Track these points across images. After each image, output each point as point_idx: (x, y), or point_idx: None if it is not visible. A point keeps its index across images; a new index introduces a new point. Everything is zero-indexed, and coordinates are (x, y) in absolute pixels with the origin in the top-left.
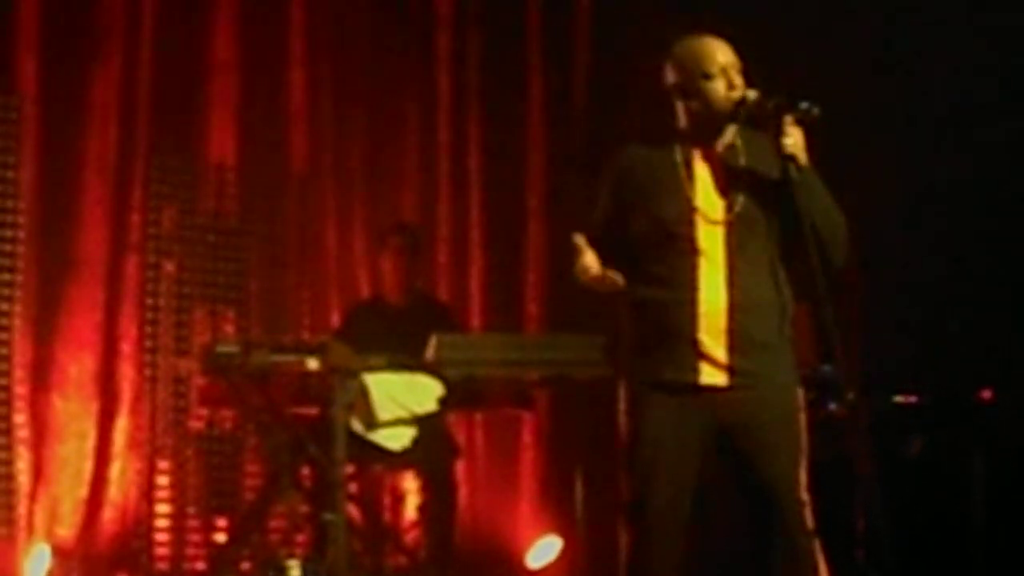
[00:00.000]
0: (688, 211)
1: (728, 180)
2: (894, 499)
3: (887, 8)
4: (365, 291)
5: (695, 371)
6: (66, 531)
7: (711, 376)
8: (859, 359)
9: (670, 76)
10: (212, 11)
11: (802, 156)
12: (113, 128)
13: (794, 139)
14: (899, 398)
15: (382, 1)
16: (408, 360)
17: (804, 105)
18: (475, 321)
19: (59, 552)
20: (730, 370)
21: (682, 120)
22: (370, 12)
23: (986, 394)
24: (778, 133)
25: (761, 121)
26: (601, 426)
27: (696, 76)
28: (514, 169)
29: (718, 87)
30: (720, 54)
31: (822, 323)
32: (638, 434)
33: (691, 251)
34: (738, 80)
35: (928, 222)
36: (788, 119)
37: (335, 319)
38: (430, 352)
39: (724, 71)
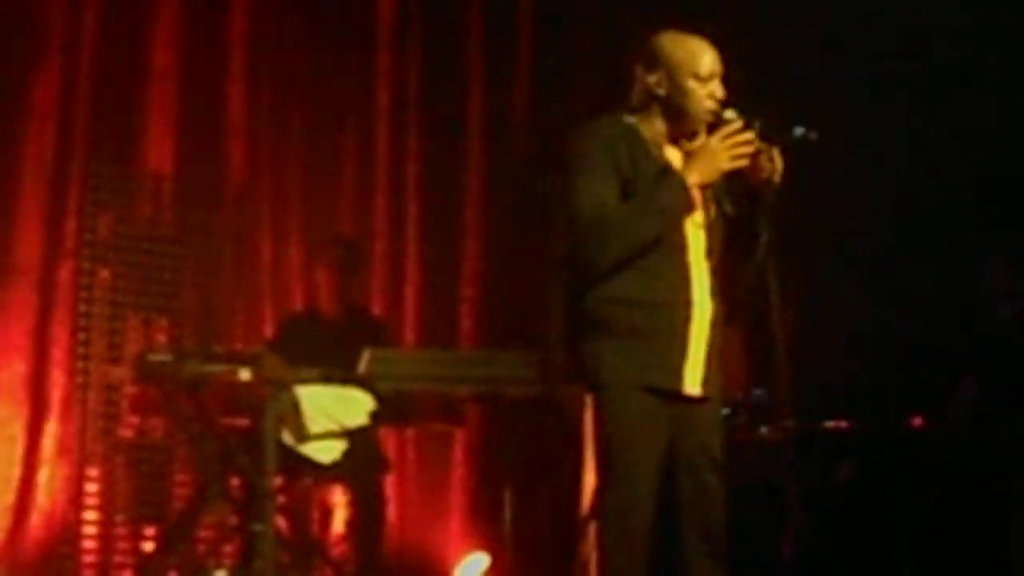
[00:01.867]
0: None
1: (702, 186)
2: (822, 525)
3: None
4: (299, 303)
5: (680, 378)
6: None
7: (691, 385)
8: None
9: (649, 63)
10: (153, 19)
11: (777, 180)
12: (51, 133)
13: (777, 163)
14: (829, 423)
15: (323, 13)
16: (340, 373)
17: (799, 131)
18: (409, 336)
19: None
20: (704, 381)
21: (652, 114)
22: (310, 24)
23: (916, 421)
24: (756, 155)
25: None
26: (531, 444)
27: (685, 73)
28: (452, 185)
29: (702, 92)
30: (710, 59)
31: (755, 346)
32: (619, 438)
33: (681, 252)
34: (719, 93)
35: (861, 247)
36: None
37: (269, 330)
38: (362, 366)
39: (711, 78)
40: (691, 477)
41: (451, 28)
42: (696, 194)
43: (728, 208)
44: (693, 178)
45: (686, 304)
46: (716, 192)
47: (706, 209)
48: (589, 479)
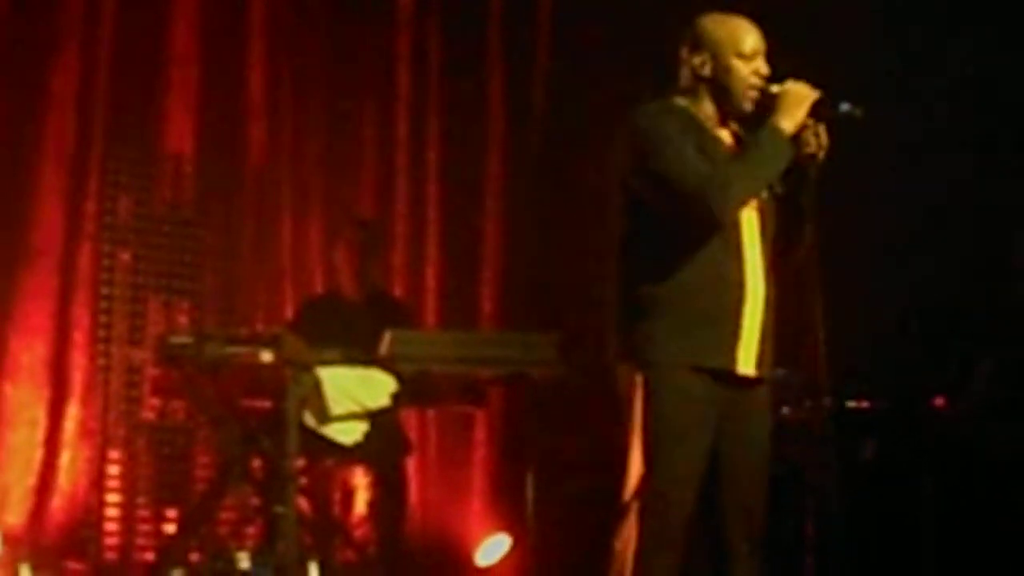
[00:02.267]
0: None
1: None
2: (845, 504)
3: None
4: (320, 285)
5: (733, 359)
6: (15, 519)
7: (745, 365)
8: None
9: (695, 45)
10: (172, 3)
11: (822, 156)
12: (71, 117)
13: (822, 139)
14: (852, 403)
15: None
16: (362, 355)
17: (846, 107)
18: (430, 317)
19: (8, 540)
20: (759, 361)
21: (701, 96)
22: (330, 7)
23: (939, 401)
24: (802, 130)
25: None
26: (553, 425)
27: (728, 52)
28: (472, 167)
29: (746, 70)
30: (753, 37)
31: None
32: (668, 419)
33: (736, 231)
34: (764, 70)
35: (884, 227)
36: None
37: (289, 312)
38: (384, 347)
39: (755, 56)
40: (737, 458)
41: (471, 9)
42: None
43: (778, 187)
44: (785, 123)
45: (739, 285)
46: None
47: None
48: (634, 461)
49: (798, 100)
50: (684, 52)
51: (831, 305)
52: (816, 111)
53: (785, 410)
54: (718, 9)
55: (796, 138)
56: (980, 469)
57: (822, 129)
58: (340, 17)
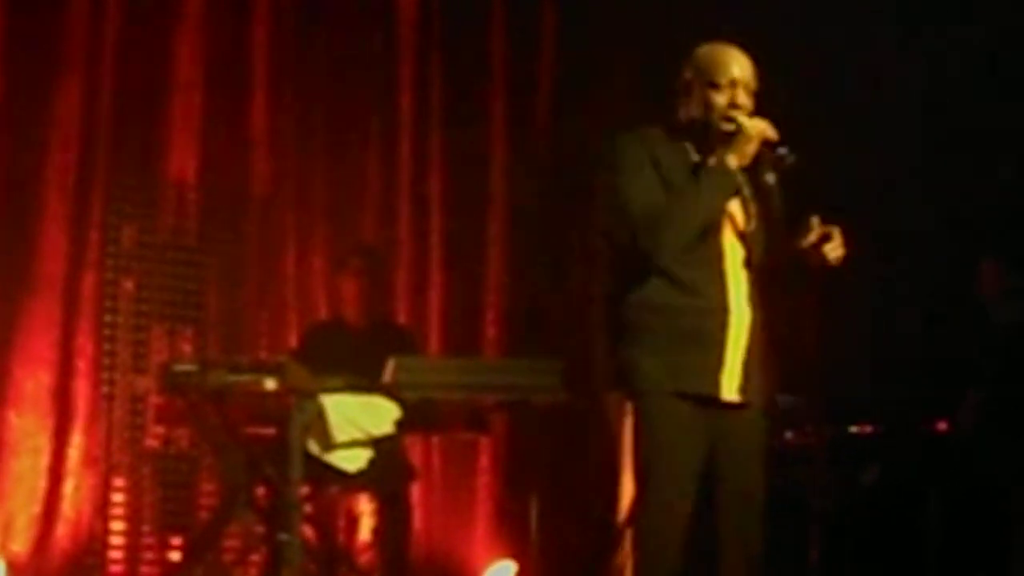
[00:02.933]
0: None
1: (742, 192)
2: (848, 529)
3: None
4: (323, 312)
5: (716, 384)
6: (20, 547)
7: (729, 391)
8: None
9: (685, 73)
10: (175, 31)
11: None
12: (73, 144)
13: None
14: (854, 428)
15: (345, 24)
16: (366, 382)
17: (782, 151)
18: (434, 344)
19: (13, 568)
20: (742, 388)
21: (682, 121)
22: (333, 35)
23: (941, 425)
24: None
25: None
26: (557, 451)
27: (703, 82)
28: (475, 192)
29: (719, 100)
30: (735, 68)
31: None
32: (657, 445)
33: (719, 256)
34: (743, 99)
35: (887, 252)
36: (769, 165)
37: (293, 340)
38: (388, 374)
39: (732, 85)
40: (730, 484)
41: (473, 33)
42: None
43: (754, 213)
44: (731, 158)
45: (723, 311)
46: (748, 199)
47: (745, 218)
48: (626, 486)
49: (750, 138)
50: (679, 80)
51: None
52: (761, 150)
53: (788, 435)
54: (720, 28)
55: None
56: (982, 493)
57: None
58: (342, 43)
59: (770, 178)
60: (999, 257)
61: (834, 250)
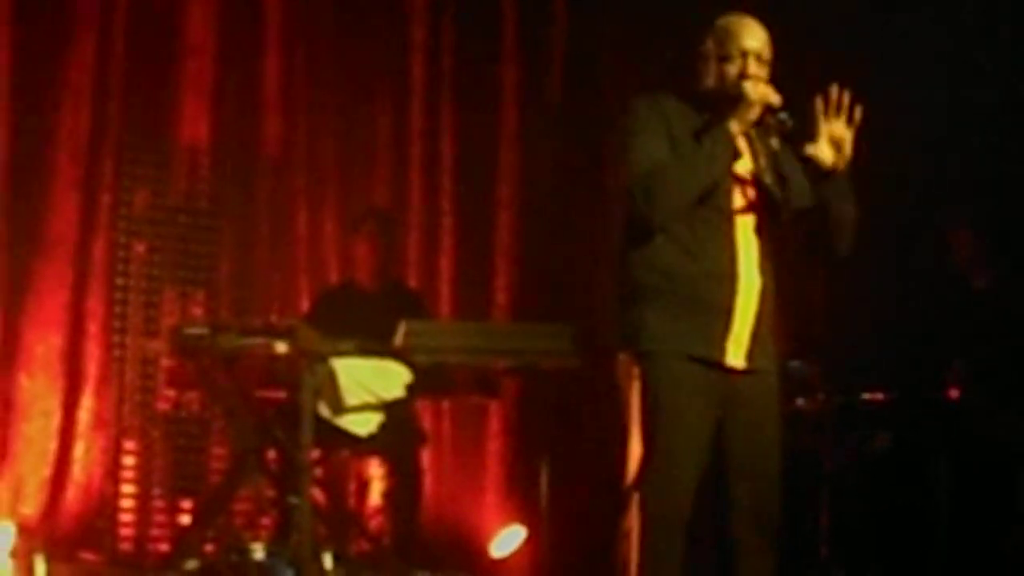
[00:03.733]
0: (729, 179)
1: (755, 160)
2: (859, 496)
3: None
4: (335, 276)
5: (722, 350)
6: (30, 510)
7: (735, 357)
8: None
9: (704, 44)
10: None
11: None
12: (85, 108)
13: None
14: (865, 395)
15: None
16: (377, 346)
17: (782, 115)
18: (444, 308)
19: (23, 530)
20: (749, 354)
21: (700, 90)
22: None
23: (953, 392)
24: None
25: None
26: (568, 416)
27: (715, 52)
28: (486, 158)
29: (731, 70)
30: (748, 39)
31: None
32: (663, 406)
33: (729, 221)
34: (754, 69)
35: (897, 217)
36: (770, 127)
37: (304, 303)
38: (399, 338)
39: (743, 55)
40: (741, 453)
41: (485, 3)
42: (743, 165)
43: (766, 179)
44: (733, 125)
45: (731, 277)
46: (761, 165)
47: (757, 183)
48: (634, 449)
49: (753, 104)
50: (700, 48)
51: (840, 299)
52: (764, 115)
53: (800, 401)
54: (729, 5)
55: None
56: (995, 459)
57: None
58: (355, 7)
59: (773, 143)
60: (968, 225)
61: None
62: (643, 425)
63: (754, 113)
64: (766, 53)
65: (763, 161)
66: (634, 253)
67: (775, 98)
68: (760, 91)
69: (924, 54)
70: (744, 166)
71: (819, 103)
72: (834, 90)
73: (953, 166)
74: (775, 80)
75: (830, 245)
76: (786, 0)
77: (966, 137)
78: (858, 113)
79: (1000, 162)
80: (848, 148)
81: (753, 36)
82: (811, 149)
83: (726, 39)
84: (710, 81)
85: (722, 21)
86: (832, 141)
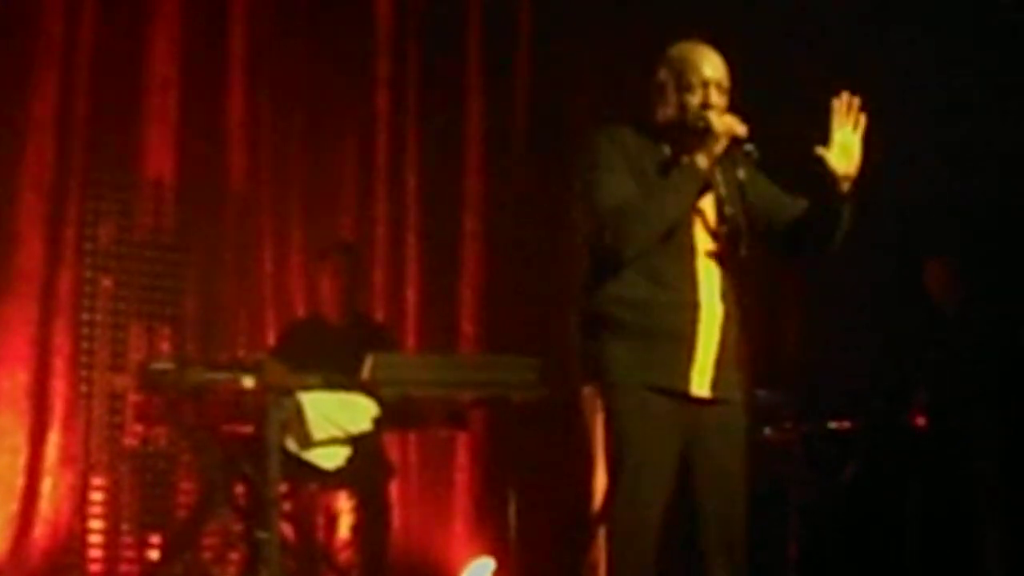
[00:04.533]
0: (690, 211)
1: (717, 191)
2: (827, 525)
3: None
4: (301, 310)
5: (687, 380)
6: None
7: (700, 387)
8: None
9: (659, 75)
10: (152, 28)
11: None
12: (50, 142)
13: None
14: (833, 423)
15: (322, 21)
16: (343, 379)
17: (748, 148)
18: (411, 341)
19: None
20: (714, 384)
21: (659, 121)
22: (310, 32)
23: (920, 420)
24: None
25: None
26: (535, 448)
27: (676, 82)
28: (451, 190)
29: (692, 100)
30: (708, 68)
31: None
32: (629, 438)
33: (690, 252)
34: (715, 99)
35: (865, 248)
36: (736, 157)
37: (271, 337)
38: (365, 372)
39: (704, 85)
40: (707, 479)
41: (450, 33)
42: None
43: (728, 210)
44: (701, 159)
45: (693, 306)
46: (724, 196)
47: (717, 213)
48: (600, 481)
49: (719, 137)
50: (654, 79)
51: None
52: (730, 147)
53: (768, 431)
54: (696, 34)
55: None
56: (962, 485)
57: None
58: (320, 41)
59: (740, 174)
60: (944, 255)
61: (847, 156)
62: (608, 457)
63: (721, 146)
64: (725, 82)
65: (724, 191)
66: (597, 285)
67: (741, 129)
68: (726, 123)
69: (904, 80)
70: (706, 197)
71: (836, 106)
72: (846, 95)
73: (926, 193)
74: (734, 108)
75: (824, 241)
76: (752, 27)
77: (938, 166)
78: (863, 121)
79: (973, 190)
80: (858, 155)
81: (713, 66)
82: (822, 152)
83: (685, 69)
84: (670, 111)
85: (677, 51)
86: (843, 148)
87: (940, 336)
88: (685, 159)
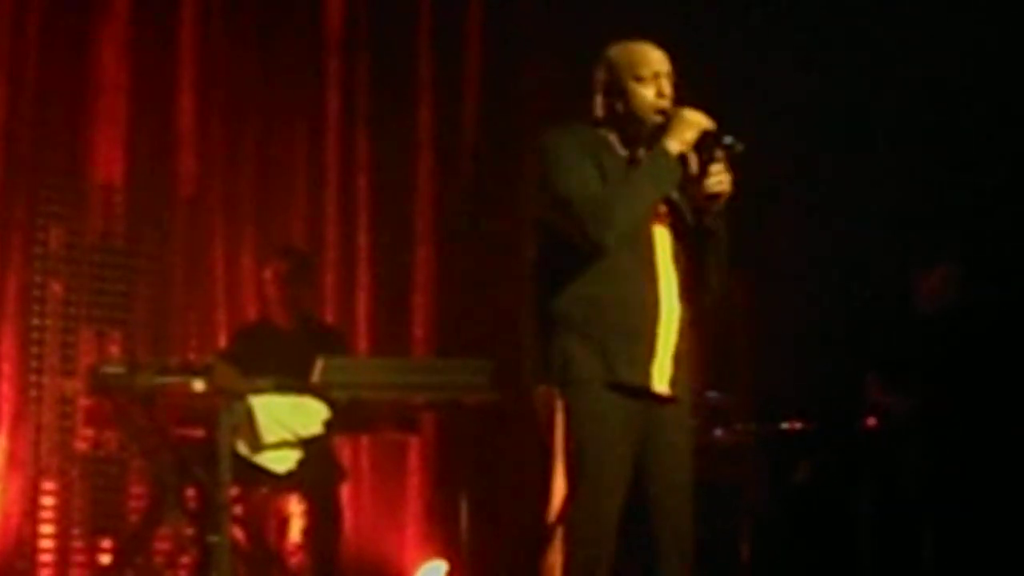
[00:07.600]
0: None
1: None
2: (780, 525)
3: None
4: (252, 313)
5: (647, 375)
6: None
7: (660, 383)
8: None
9: (599, 73)
10: (100, 31)
11: (725, 195)
12: None
13: (725, 181)
14: (785, 425)
15: (272, 25)
16: (294, 383)
17: (729, 140)
18: (362, 344)
19: None
20: (672, 381)
21: (604, 119)
22: (260, 34)
23: (871, 421)
24: (703, 169)
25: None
26: (487, 451)
27: (627, 77)
28: (403, 193)
29: (646, 92)
30: (656, 61)
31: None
32: (590, 437)
33: (650, 251)
34: (667, 90)
35: (816, 247)
36: (717, 154)
37: (222, 341)
38: (316, 375)
39: (656, 77)
40: (662, 477)
41: (400, 37)
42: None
43: (688, 218)
44: (672, 144)
45: (653, 304)
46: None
47: (675, 214)
48: (557, 482)
49: (688, 124)
50: (595, 81)
51: (761, 329)
52: (703, 140)
53: (718, 432)
54: (645, 37)
55: (700, 176)
56: (913, 487)
57: (721, 169)
58: (270, 44)
59: (714, 168)
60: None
61: (718, 183)
62: (568, 456)
63: (691, 135)
64: (672, 74)
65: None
66: (553, 284)
67: (709, 123)
68: (697, 114)
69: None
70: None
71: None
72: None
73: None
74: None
75: (712, 278)
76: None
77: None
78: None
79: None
80: (729, 177)
81: (660, 58)
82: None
83: (635, 62)
84: (619, 107)
85: (620, 47)
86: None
87: (917, 338)
88: (657, 146)
